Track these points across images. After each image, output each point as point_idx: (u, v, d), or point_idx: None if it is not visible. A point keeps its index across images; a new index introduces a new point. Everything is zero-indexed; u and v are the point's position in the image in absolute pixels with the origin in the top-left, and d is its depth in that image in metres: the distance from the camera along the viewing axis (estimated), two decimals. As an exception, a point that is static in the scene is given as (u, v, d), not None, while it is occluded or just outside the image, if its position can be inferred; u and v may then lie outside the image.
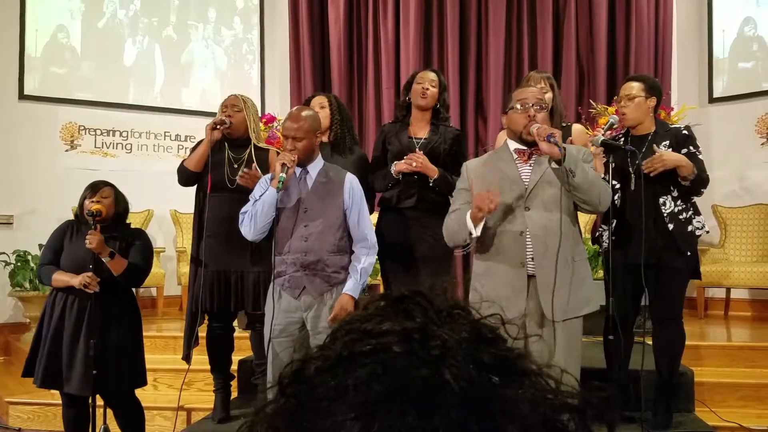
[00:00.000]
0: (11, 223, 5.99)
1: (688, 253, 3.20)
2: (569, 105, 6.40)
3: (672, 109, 6.11)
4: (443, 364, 0.47)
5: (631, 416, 3.19)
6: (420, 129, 3.48)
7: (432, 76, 3.50)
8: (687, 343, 3.34)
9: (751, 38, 6.21)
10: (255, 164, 3.34)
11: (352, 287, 2.88)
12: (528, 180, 2.70)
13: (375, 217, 3.61)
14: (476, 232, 2.61)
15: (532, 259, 2.65)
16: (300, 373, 0.50)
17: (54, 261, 3.16)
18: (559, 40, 6.54)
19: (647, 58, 6.32)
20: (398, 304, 0.53)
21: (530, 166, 2.72)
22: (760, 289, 5.54)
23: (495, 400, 0.47)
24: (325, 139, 3.51)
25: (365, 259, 2.93)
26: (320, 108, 3.52)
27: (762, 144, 6.01)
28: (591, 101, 6.05)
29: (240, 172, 3.28)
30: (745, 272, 5.37)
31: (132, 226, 3.40)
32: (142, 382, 3.28)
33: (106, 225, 3.15)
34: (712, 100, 6.32)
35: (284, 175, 2.77)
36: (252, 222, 2.87)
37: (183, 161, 3.48)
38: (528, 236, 2.65)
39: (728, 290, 5.69)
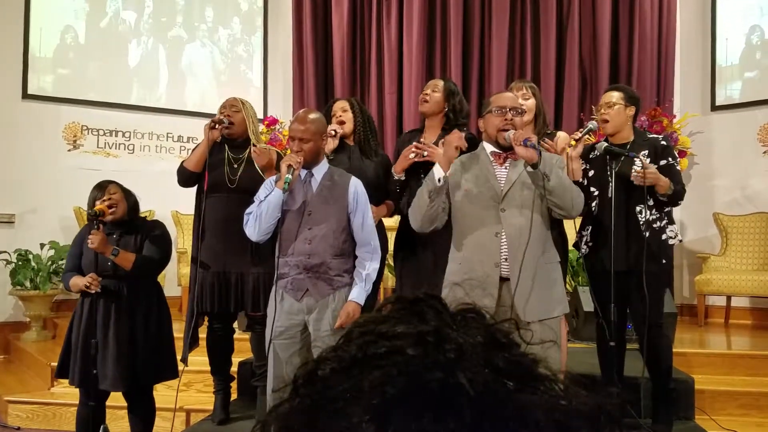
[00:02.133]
0: (13, 222, 5.99)
1: (663, 261, 3.23)
2: (571, 112, 6.42)
3: (674, 116, 6.13)
4: (458, 367, 0.47)
5: (631, 424, 3.19)
6: (431, 135, 3.44)
7: (436, 81, 3.51)
8: (688, 350, 3.36)
9: (754, 47, 6.22)
10: (259, 155, 3.37)
11: (357, 294, 2.88)
12: (504, 182, 2.74)
13: (396, 219, 3.64)
14: (442, 174, 2.70)
15: (506, 259, 2.69)
16: (314, 373, 0.50)
17: (75, 268, 3.20)
18: (562, 47, 6.55)
19: (650, 65, 6.33)
20: (413, 307, 0.53)
21: (506, 168, 2.77)
22: (760, 298, 5.53)
23: (509, 404, 0.47)
24: (350, 142, 3.52)
25: (369, 265, 2.93)
26: (342, 112, 3.54)
27: (764, 152, 6.01)
28: (593, 107, 6.06)
29: (253, 149, 3.34)
30: (746, 280, 5.37)
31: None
32: (172, 375, 3.29)
33: (121, 222, 3.18)
34: (715, 108, 6.32)
35: (290, 176, 2.78)
36: (257, 223, 2.87)
37: (182, 162, 3.50)
38: (503, 237, 2.69)
39: (729, 298, 5.69)
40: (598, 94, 6.32)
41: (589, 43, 6.53)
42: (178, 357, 3.35)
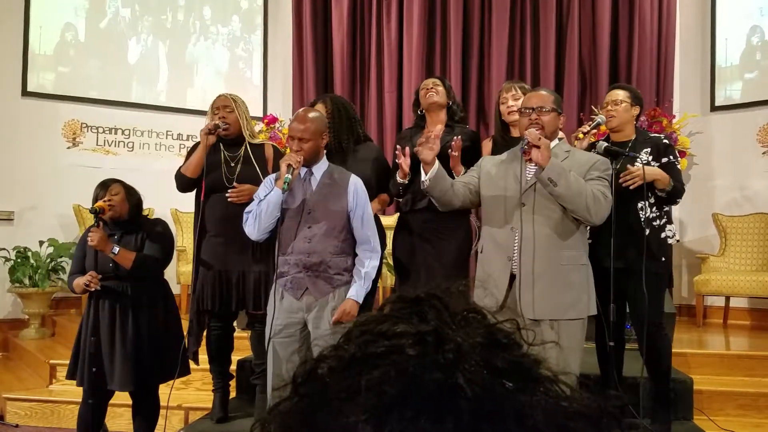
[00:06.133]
0: (12, 219, 5.98)
1: (663, 259, 3.23)
2: (571, 111, 6.41)
3: (674, 116, 6.12)
4: (457, 368, 0.47)
5: (630, 424, 3.19)
6: None
7: (433, 79, 3.57)
8: (686, 351, 3.35)
9: (754, 47, 6.22)
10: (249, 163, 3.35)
11: (356, 293, 2.87)
12: (529, 178, 2.77)
13: (394, 219, 3.64)
14: (424, 177, 2.82)
15: (517, 255, 2.73)
16: (314, 372, 0.50)
17: (80, 270, 3.19)
18: (562, 47, 6.54)
19: (650, 65, 6.32)
20: (413, 307, 0.52)
21: (535, 165, 2.75)
22: (759, 298, 5.53)
23: (508, 405, 0.47)
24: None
25: (369, 263, 2.93)
26: None
27: (763, 153, 6.01)
28: (593, 107, 6.06)
29: (228, 193, 3.31)
30: (745, 281, 5.37)
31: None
32: (182, 373, 3.27)
33: (123, 221, 3.17)
34: (714, 108, 6.32)
35: (290, 176, 2.77)
36: (256, 222, 2.87)
37: (180, 168, 3.47)
38: (517, 232, 2.73)
39: (727, 299, 5.68)
40: (598, 95, 6.33)
41: (588, 43, 6.52)
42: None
